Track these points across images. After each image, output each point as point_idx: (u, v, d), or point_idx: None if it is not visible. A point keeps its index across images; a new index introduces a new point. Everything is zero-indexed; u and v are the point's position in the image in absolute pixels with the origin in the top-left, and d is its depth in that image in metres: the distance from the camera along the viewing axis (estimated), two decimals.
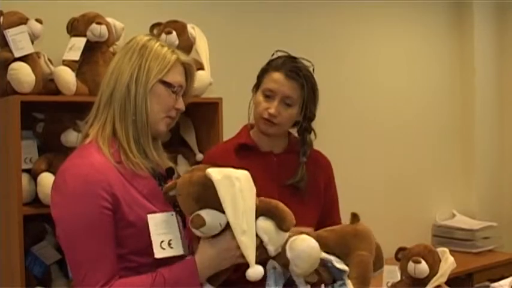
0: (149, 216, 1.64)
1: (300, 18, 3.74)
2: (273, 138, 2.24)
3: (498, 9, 4.63)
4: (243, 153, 2.22)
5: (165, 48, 1.76)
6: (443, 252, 2.41)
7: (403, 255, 2.45)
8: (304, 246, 1.65)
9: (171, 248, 1.64)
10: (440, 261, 2.38)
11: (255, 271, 1.58)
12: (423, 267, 2.34)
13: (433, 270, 2.35)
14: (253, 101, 2.24)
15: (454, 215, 4.48)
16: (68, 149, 2.38)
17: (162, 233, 1.64)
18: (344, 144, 3.92)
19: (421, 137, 4.38)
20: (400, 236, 3.58)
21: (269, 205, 1.65)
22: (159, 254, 1.62)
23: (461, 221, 4.35)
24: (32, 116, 2.60)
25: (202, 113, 2.96)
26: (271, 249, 1.62)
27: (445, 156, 4.54)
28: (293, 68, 2.16)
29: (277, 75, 2.16)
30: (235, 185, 1.58)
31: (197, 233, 1.58)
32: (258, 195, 2.16)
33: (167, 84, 1.74)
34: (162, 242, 1.63)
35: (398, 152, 4.24)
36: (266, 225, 1.62)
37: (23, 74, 2.42)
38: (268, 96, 2.17)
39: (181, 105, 1.80)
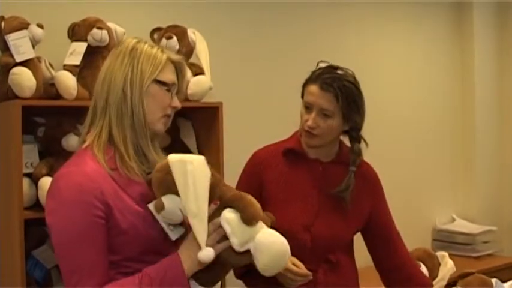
0: (149, 205, 1.65)
1: (300, 23, 3.74)
2: (322, 146, 2.25)
3: (498, 10, 4.63)
4: (290, 157, 2.24)
5: (155, 49, 1.76)
6: (443, 256, 2.42)
7: None
8: (263, 238, 1.63)
9: (177, 229, 1.66)
10: (440, 265, 2.39)
11: (204, 253, 1.57)
12: (423, 271, 2.35)
13: (433, 274, 2.36)
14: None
15: (454, 219, 4.48)
16: (68, 153, 2.36)
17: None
18: None
19: (420, 140, 4.37)
20: None
21: (235, 197, 1.64)
22: (173, 236, 1.64)
23: (461, 225, 4.34)
24: (33, 121, 2.60)
25: (202, 117, 2.97)
26: (235, 242, 1.60)
27: (445, 160, 4.54)
28: (327, 79, 2.17)
29: (312, 88, 2.17)
30: (187, 167, 1.58)
31: (159, 218, 1.61)
32: (298, 200, 2.17)
33: (162, 83, 1.74)
34: (168, 225, 1.65)
35: (398, 156, 4.23)
36: (230, 216, 1.61)
37: (24, 79, 2.43)
38: (308, 107, 2.18)
39: (176, 103, 1.80)
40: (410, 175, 4.30)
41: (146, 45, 1.76)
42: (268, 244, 1.63)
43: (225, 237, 1.62)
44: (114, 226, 1.62)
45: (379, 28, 4.17)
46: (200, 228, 1.58)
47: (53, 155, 2.55)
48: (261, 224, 1.66)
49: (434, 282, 2.35)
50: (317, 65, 2.25)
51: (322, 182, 2.22)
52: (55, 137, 2.53)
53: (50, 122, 2.60)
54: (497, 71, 4.64)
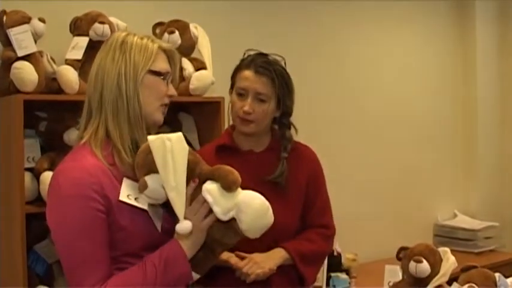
0: (125, 178, 1.67)
1: (301, 19, 3.74)
2: (254, 137, 2.25)
3: (500, 10, 4.63)
4: (223, 153, 2.23)
5: (145, 40, 1.76)
6: (445, 251, 2.41)
7: (404, 255, 2.45)
8: (242, 197, 1.67)
9: (137, 201, 1.67)
10: (441, 260, 2.38)
11: (182, 225, 1.62)
12: (424, 266, 2.34)
13: (435, 270, 2.35)
14: (230, 102, 2.26)
15: (455, 215, 4.48)
16: (70, 147, 2.35)
17: (132, 192, 1.67)
18: (346, 144, 3.92)
19: (422, 137, 4.38)
20: (402, 236, 3.59)
21: (212, 169, 1.70)
22: (122, 197, 1.65)
23: (463, 221, 4.35)
24: (35, 115, 2.60)
25: (204, 112, 2.97)
26: (218, 211, 1.64)
27: (447, 156, 4.54)
28: (262, 63, 2.18)
29: (247, 73, 2.18)
30: (166, 144, 1.61)
31: (147, 199, 1.65)
32: None
33: (156, 73, 1.74)
34: (129, 195, 1.66)
35: (400, 152, 4.24)
36: (211, 187, 1.65)
37: (26, 73, 2.43)
38: (242, 94, 2.18)
39: (172, 91, 1.81)
40: (412, 171, 4.31)
41: (136, 37, 1.75)
42: (249, 201, 1.67)
43: (210, 212, 1.66)
44: (113, 221, 1.63)
45: (380, 27, 4.17)
46: (178, 201, 1.61)
47: (55, 149, 2.55)
48: (240, 190, 1.70)
49: (436, 278, 2.34)
50: (244, 54, 2.26)
51: (258, 172, 2.21)
52: (57, 131, 2.53)
53: (51, 116, 2.60)
54: (499, 69, 4.65)
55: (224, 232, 1.69)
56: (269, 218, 1.72)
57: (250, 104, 2.15)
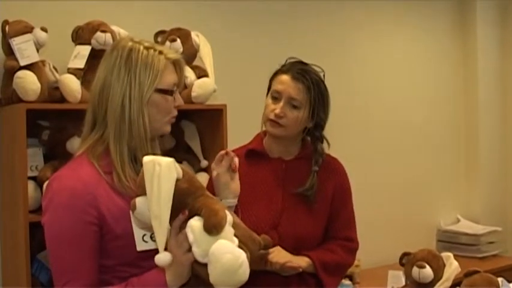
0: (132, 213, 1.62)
1: (303, 25, 3.75)
2: (284, 144, 2.24)
3: (501, 10, 4.64)
4: (253, 158, 2.23)
5: (151, 51, 1.69)
6: (448, 257, 2.42)
7: (407, 260, 2.46)
8: (215, 248, 1.52)
9: (154, 241, 1.62)
10: (444, 266, 2.39)
11: (160, 256, 1.52)
12: (428, 272, 2.35)
13: (438, 275, 2.36)
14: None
15: (458, 220, 4.48)
16: (73, 156, 2.39)
17: (145, 229, 1.63)
18: (347, 149, 3.90)
19: (425, 141, 4.38)
20: (405, 241, 3.59)
21: (203, 205, 1.57)
22: (140, 246, 1.62)
23: (466, 226, 4.35)
24: (38, 124, 2.61)
25: (206, 120, 2.97)
26: (196, 251, 1.52)
27: (449, 161, 4.54)
28: (300, 70, 2.18)
29: (284, 77, 2.18)
30: (155, 169, 1.52)
31: (135, 220, 1.60)
32: (263, 200, 2.17)
33: (163, 91, 1.70)
34: (144, 235, 1.62)
35: (403, 157, 4.24)
36: (195, 224, 1.54)
37: (28, 82, 2.44)
38: (276, 97, 2.17)
39: (180, 101, 1.76)
40: (415, 176, 4.31)
41: (142, 49, 1.68)
42: (218, 255, 1.51)
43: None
44: (108, 231, 1.62)
45: (381, 28, 4.17)
46: (159, 231, 1.52)
47: (58, 158, 2.56)
48: (225, 235, 1.55)
49: (439, 283, 2.35)
50: (286, 60, 2.26)
51: (285, 179, 2.21)
52: (60, 140, 2.54)
53: (54, 125, 2.61)
54: (500, 72, 4.64)
55: (204, 272, 1.54)
56: (241, 275, 1.53)
57: (282, 107, 2.14)
